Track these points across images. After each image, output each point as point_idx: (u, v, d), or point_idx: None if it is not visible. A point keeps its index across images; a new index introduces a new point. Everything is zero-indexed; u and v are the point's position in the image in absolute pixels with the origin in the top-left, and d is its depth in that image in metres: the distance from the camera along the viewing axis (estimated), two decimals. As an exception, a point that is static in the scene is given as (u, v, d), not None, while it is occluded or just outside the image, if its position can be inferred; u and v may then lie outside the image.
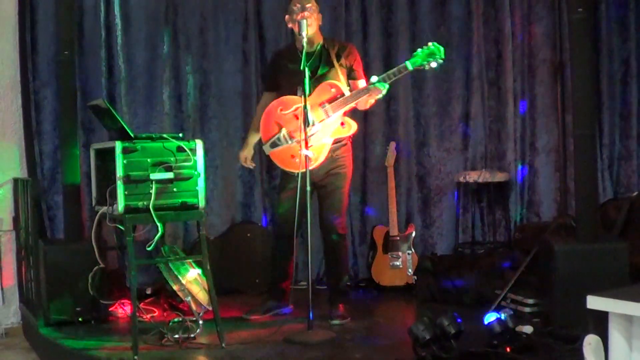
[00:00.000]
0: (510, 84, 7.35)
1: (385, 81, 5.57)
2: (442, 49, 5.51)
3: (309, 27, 5.56)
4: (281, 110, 5.81)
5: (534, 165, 7.35)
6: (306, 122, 5.21)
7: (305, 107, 5.19)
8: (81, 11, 6.90)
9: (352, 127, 5.79)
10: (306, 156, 5.25)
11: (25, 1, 6.69)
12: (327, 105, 5.67)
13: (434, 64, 5.52)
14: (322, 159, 5.68)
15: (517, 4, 7.35)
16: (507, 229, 7.32)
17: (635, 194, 6.72)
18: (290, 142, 5.76)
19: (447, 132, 7.50)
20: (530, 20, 7.32)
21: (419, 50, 5.58)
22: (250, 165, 6.29)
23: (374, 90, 5.60)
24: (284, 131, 5.78)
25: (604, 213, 6.66)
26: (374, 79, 5.60)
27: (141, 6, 7.13)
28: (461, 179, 7.20)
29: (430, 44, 5.54)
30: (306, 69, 5.30)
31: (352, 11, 7.42)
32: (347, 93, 5.69)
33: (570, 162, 6.40)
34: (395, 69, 5.60)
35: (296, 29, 5.72)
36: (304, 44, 5.45)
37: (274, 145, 5.83)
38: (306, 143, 5.21)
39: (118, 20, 7.04)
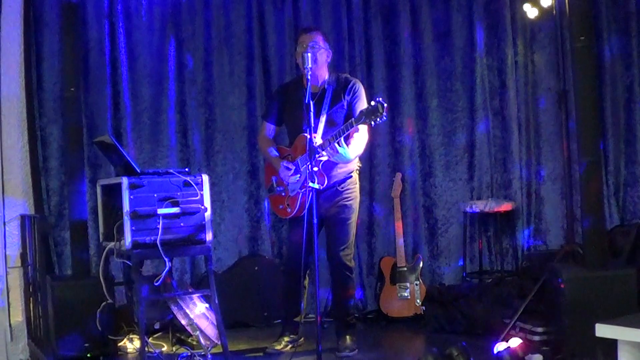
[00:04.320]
0: (515, 112, 7.36)
1: (335, 140, 5.54)
2: (384, 105, 5.28)
3: (312, 63, 5.52)
4: None
5: (540, 193, 7.36)
6: (312, 157, 5.19)
7: (310, 140, 5.18)
8: (86, 47, 6.94)
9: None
10: (312, 188, 5.23)
11: (31, 38, 6.73)
12: (298, 159, 5.81)
13: (379, 120, 5.33)
14: (298, 207, 5.77)
15: (520, 33, 7.38)
16: (514, 257, 7.31)
17: (642, 219, 6.72)
18: (276, 190, 5.97)
19: (453, 162, 7.50)
20: (533, 49, 7.35)
21: (363, 110, 5.44)
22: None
23: (329, 153, 5.61)
24: (274, 179, 6.01)
25: (611, 240, 6.64)
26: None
27: (146, 42, 7.17)
28: (467, 209, 7.20)
29: (372, 102, 5.33)
30: (311, 103, 5.28)
31: (355, 43, 7.45)
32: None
33: (576, 189, 6.39)
34: (343, 127, 5.56)
35: (300, 63, 5.76)
36: (308, 77, 5.43)
37: (271, 190, 6.08)
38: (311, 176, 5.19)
39: (123, 56, 7.08)
